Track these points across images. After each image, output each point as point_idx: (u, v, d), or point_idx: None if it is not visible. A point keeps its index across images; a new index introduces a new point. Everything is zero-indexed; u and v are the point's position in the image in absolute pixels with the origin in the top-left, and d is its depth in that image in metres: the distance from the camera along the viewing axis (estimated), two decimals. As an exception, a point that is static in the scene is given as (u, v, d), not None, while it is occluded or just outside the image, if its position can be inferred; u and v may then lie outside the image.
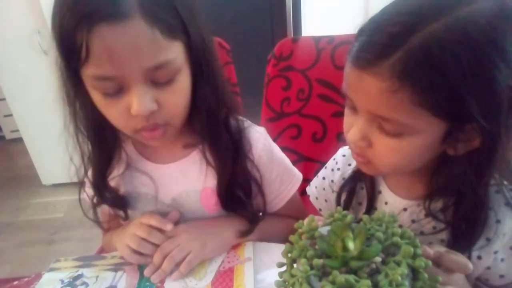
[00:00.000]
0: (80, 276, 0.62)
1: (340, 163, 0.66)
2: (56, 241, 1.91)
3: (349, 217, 0.42)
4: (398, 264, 0.36)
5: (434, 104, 0.38)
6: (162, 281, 0.59)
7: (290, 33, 1.97)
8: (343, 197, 0.62)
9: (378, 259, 0.38)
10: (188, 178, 0.66)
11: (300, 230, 0.42)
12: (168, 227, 0.62)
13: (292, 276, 0.37)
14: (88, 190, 0.67)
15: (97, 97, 0.52)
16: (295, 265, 0.40)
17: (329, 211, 0.45)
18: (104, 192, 0.65)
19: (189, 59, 0.55)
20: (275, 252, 0.61)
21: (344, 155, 0.66)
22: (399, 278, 0.34)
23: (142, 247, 0.61)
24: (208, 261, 0.62)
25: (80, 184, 0.66)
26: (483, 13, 0.37)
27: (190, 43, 0.53)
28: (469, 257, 0.48)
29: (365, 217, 0.42)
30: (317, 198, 0.71)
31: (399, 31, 0.38)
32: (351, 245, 0.37)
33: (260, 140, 0.67)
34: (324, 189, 0.69)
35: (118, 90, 0.50)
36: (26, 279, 0.63)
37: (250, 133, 0.67)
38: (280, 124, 0.97)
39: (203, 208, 0.67)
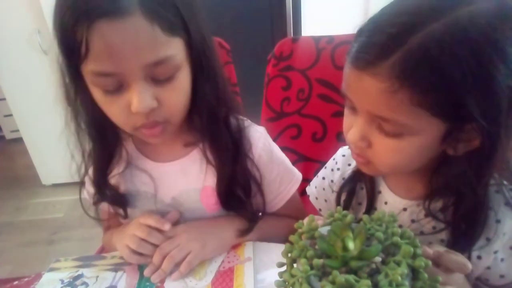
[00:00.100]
0: (80, 276, 0.62)
1: (340, 163, 0.66)
2: (56, 241, 1.91)
3: (349, 217, 0.42)
4: (398, 264, 0.36)
5: (433, 104, 0.38)
6: (162, 281, 0.59)
7: (290, 33, 1.97)
8: (343, 197, 0.62)
9: (378, 259, 0.38)
10: (188, 177, 0.66)
11: (300, 230, 0.42)
12: (166, 227, 0.62)
13: (292, 276, 0.37)
14: (89, 188, 0.67)
15: (97, 94, 0.53)
16: (295, 265, 0.40)
17: (329, 211, 0.45)
18: (104, 189, 0.65)
19: (190, 57, 0.55)
20: (275, 252, 0.61)
21: (343, 155, 0.66)
22: (399, 278, 0.34)
23: (141, 247, 0.61)
24: (208, 261, 0.62)
25: (81, 183, 0.67)
26: (483, 13, 0.37)
27: (191, 41, 0.53)
28: (469, 257, 0.48)
29: (365, 217, 0.42)
30: (317, 198, 0.71)
31: (399, 31, 0.38)
32: (351, 245, 0.38)
33: (260, 140, 0.67)
34: (324, 189, 0.69)
35: (118, 87, 0.51)
36: (26, 279, 0.63)
37: (250, 133, 0.67)
38: (280, 124, 0.97)
39: (203, 207, 0.67)
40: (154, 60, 0.49)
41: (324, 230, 0.42)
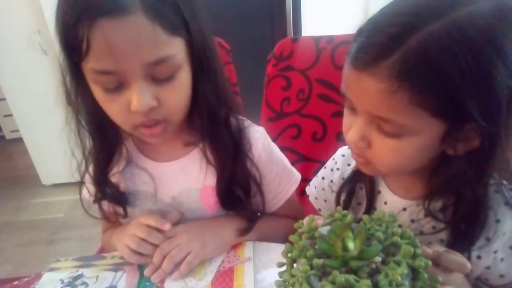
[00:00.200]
0: (80, 276, 0.62)
1: (340, 163, 0.66)
2: (56, 241, 1.91)
3: (349, 217, 0.42)
4: (398, 264, 0.36)
5: (433, 104, 0.38)
6: (162, 281, 0.59)
7: (290, 33, 1.97)
8: (343, 197, 0.62)
9: (378, 259, 0.38)
10: (188, 177, 0.66)
11: (300, 230, 0.42)
12: (166, 227, 0.62)
13: (292, 276, 0.37)
14: (89, 186, 0.67)
15: (97, 92, 0.53)
16: (295, 265, 0.40)
17: (329, 211, 0.45)
18: (104, 187, 0.65)
19: (190, 56, 0.55)
20: (275, 252, 0.61)
21: (343, 155, 0.66)
22: (399, 278, 0.34)
23: (141, 247, 0.61)
24: (208, 261, 0.63)
25: (81, 183, 0.67)
26: (482, 13, 0.37)
27: (191, 41, 0.53)
28: (469, 257, 0.48)
29: (365, 217, 0.42)
30: (316, 198, 0.71)
31: (398, 31, 0.38)
32: (351, 245, 0.38)
33: (260, 140, 0.67)
34: (323, 189, 0.69)
35: (118, 85, 0.51)
36: (26, 279, 0.63)
37: (250, 133, 0.67)
38: (280, 124, 0.97)
39: (203, 207, 0.67)
40: (154, 59, 0.49)
41: (324, 230, 0.42)
